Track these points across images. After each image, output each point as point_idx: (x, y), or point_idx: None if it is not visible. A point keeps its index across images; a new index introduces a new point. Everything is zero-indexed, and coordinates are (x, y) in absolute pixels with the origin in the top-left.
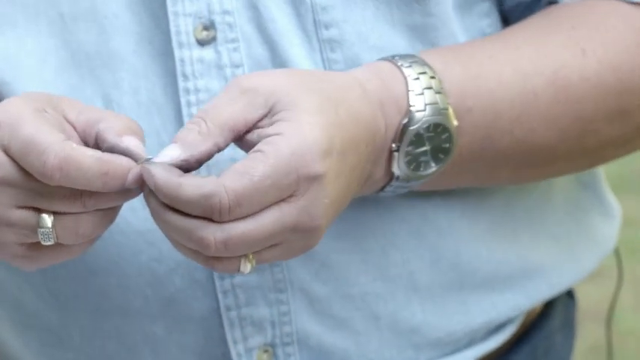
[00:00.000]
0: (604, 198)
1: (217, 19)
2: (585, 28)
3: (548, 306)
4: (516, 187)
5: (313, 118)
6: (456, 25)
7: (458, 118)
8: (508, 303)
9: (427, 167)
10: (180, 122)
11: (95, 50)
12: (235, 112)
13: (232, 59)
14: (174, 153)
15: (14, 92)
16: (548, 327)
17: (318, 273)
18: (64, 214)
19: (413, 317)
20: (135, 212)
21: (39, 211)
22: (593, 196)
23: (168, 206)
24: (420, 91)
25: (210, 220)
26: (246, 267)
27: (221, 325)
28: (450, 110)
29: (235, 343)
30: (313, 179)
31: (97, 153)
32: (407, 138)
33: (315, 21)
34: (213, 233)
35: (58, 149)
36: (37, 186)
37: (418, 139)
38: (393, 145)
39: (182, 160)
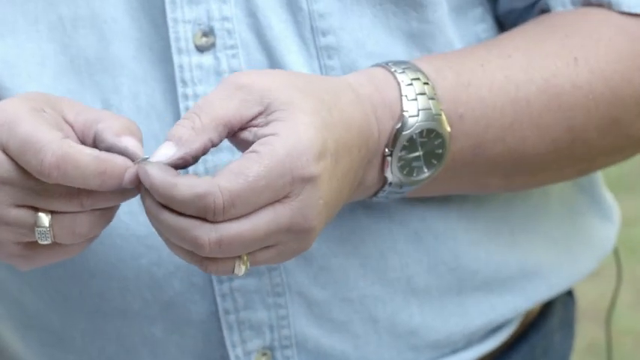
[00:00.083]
0: (602, 201)
1: (216, 25)
2: (578, 36)
3: (547, 305)
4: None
5: (308, 118)
6: (452, 31)
7: (449, 125)
8: (507, 305)
9: (420, 173)
10: None
11: (95, 55)
12: (230, 107)
13: (231, 65)
14: (169, 151)
15: None
16: (547, 326)
17: (317, 277)
18: (62, 213)
19: (411, 320)
20: (134, 216)
21: (36, 210)
22: (590, 199)
23: (163, 206)
24: (413, 97)
25: (205, 220)
26: (241, 269)
27: (220, 329)
28: (443, 116)
29: (234, 346)
30: (307, 180)
31: (95, 152)
32: (400, 143)
33: (312, 28)
34: (207, 233)
35: (56, 147)
36: (35, 185)
37: (411, 145)
38: (386, 150)
39: (178, 159)
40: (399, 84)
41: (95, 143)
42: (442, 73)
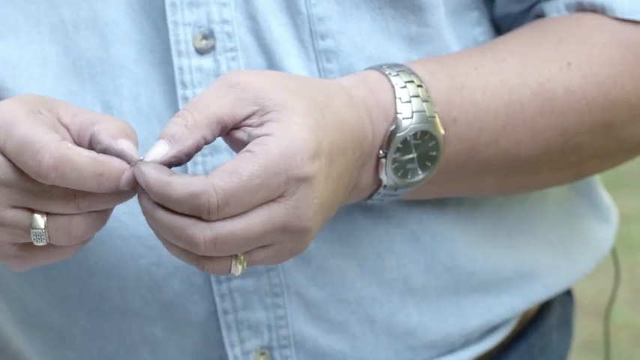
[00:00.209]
0: (599, 203)
1: (216, 28)
2: (572, 42)
3: (546, 305)
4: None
5: (301, 119)
6: (450, 34)
7: (443, 127)
8: (504, 305)
9: (414, 175)
10: None
11: (96, 57)
12: (223, 105)
13: (231, 68)
14: (162, 150)
15: None
16: (545, 325)
17: (315, 277)
18: (57, 215)
19: (408, 320)
20: (134, 217)
21: (32, 211)
22: (588, 201)
23: (159, 205)
24: (407, 99)
25: (200, 219)
26: (237, 268)
27: (218, 328)
28: (437, 118)
29: (232, 345)
30: (302, 180)
31: (93, 154)
32: (394, 145)
33: (311, 31)
34: (202, 232)
35: (54, 149)
36: (32, 186)
37: (405, 146)
38: (381, 152)
39: (171, 157)
40: (392, 87)
41: (91, 145)
42: (436, 76)
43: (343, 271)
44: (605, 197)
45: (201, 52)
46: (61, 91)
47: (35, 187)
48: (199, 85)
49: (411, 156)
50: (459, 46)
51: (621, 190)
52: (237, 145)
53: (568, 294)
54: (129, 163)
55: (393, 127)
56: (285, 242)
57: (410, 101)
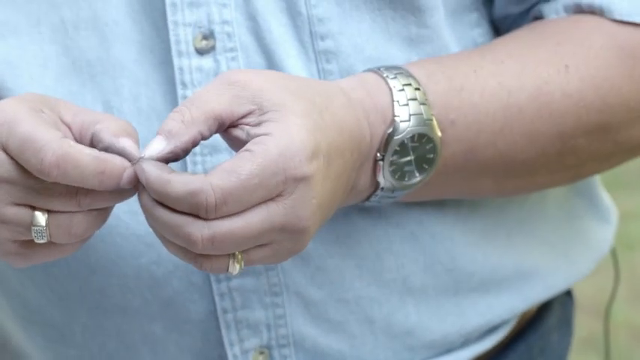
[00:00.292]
0: (599, 203)
1: (217, 28)
2: (570, 44)
3: (545, 305)
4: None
5: (300, 120)
6: (449, 35)
7: (441, 130)
8: (504, 305)
9: (411, 177)
10: None
11: (96, 57)
12: (221, 102)
13: (231, 68)
14: (159, 146)
15: None
16: (545, 326)
17: (314, 277)
18: (58, 212)
19: (407, 320)
20: (135, 216)
21: (33, 209)
22: (588, 202)
23: (158, 202)
24: (404, 102)
25: (199, 217)
26: (235, 267)
27: (218, 327)
28: (434, 121)
29: (232, 345)
30: (300, 180)
31: (95, 151)
32: (391, 147)
33: (311, 32)
34: (200, 230)
35: (56, 146)
36: (34, 183)
37: (402, 149)
38: (378, 155)
39: (168, 153)
40: (390, 89)
41: (92, 144)
42: (434, 77)
43: (342, 271)
44: (605, 198)
45: (201, 52)
46: (61, 91)
47: (37, 184)
48: (199, 85)
49: (408, 158)
50: (458, 47)
51: (621, 190)
52: (236, 144)
53: (568, 294)
54: (130, 161)
55: (391, 129)
56: (283, 242)
57: (407, 104)
